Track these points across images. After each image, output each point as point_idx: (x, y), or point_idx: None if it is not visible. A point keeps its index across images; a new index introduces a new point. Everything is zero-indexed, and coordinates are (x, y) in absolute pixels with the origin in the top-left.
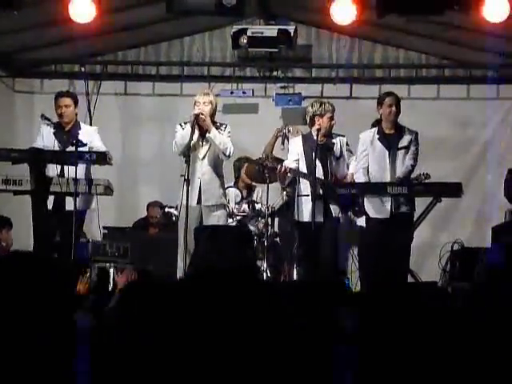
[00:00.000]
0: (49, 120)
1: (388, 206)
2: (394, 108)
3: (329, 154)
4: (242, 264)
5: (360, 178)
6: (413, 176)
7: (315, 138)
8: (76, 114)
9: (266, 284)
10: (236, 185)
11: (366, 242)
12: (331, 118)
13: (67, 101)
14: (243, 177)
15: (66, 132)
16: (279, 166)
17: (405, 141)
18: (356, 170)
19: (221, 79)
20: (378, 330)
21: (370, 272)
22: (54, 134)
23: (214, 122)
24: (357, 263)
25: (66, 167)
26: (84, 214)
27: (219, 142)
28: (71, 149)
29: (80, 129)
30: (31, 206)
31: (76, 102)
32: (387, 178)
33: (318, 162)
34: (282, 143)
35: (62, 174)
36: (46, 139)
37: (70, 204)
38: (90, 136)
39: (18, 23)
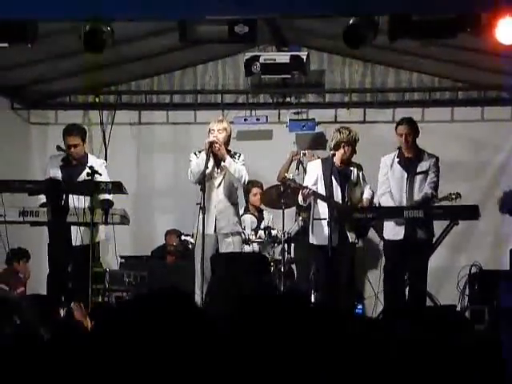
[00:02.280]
0: (63, 151)
1: (403, 229)
2: (404, 137)
3: (346, 180)
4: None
5: (386, 201)
6: (442, 195)
7: (337, 163)
8: (85, 148)
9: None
10: (247, 210)
11: (384, 264)
12: (354, 149)
13: (76, 140)
14: (252, 200)
15: (74, 165)
16: (305, 190)
17: (424, 166)
18: (381, 194)
19: (234, 106)
20: None
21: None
22: (62, 166)
23: (228, 150)
24: (373, 288)
25: (70, 197)
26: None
27: (234, 170)
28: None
29: (87, 161)
30: (48, 237)
31: (84, 139)
32: (404, 202)
33: (337, 187)
34: (297, 168)
35: (66, 205)
36: (55, 171)
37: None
38: (97, 168)
39: (32, 56)
